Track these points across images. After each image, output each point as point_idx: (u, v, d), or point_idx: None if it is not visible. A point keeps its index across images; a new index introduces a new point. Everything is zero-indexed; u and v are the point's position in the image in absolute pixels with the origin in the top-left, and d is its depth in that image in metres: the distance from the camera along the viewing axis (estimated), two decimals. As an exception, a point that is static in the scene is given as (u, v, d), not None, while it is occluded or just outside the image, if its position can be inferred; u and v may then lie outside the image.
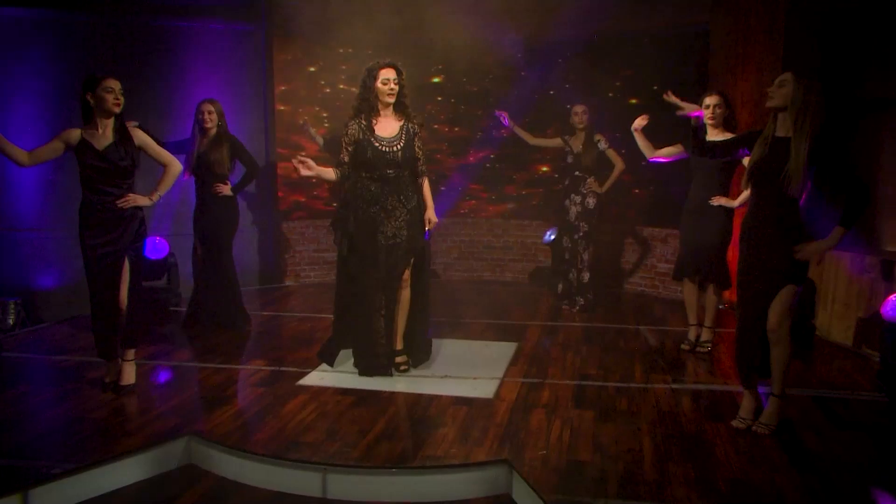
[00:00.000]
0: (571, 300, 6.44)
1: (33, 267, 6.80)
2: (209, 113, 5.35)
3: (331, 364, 4.68)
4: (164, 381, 4.57)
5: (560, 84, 7.65)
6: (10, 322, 6.25)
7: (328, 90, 7.86)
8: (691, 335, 5.17)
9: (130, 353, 4.33)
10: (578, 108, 6.22)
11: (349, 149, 4.39)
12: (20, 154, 4.03)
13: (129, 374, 4.32)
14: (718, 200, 4.80)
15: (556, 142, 6.43)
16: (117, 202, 4.11)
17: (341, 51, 7.83)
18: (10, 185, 6.63)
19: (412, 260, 4.55)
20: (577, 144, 6.23)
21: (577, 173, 6.22)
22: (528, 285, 7.62)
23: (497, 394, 4.23)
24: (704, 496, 3.00)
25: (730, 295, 5.72)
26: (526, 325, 5.86)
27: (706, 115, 4.82)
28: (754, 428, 3.65)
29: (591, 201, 6.25)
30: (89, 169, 4.08)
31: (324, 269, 7.98)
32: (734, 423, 3.72)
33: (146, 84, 6.74)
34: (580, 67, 7.41)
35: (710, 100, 4.87)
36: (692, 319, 5.17)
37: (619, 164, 6.22)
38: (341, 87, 7.88)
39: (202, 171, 5.41)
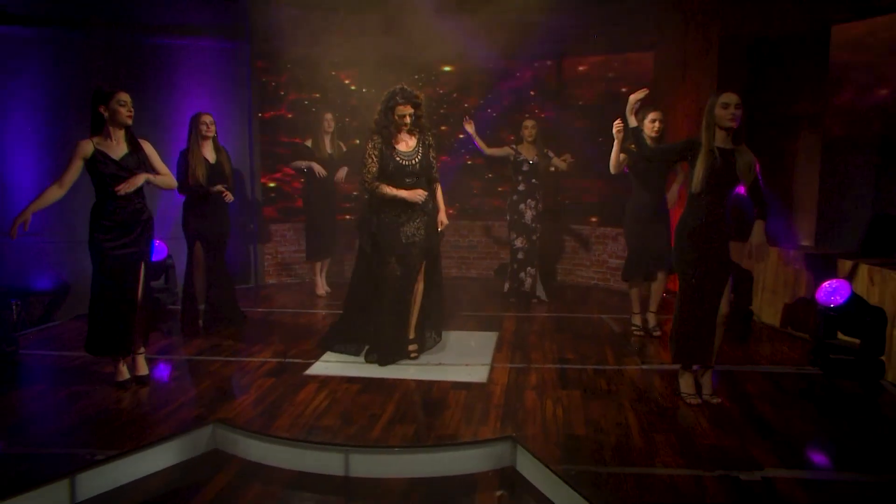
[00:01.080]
0: (520, 294, 6.49)
1: (30, 270, 6.65)
2: (212, 124, 5.28)
3: (341, 352, 4.78)
4: (178, 374, 4.52)
5: (527, 100, 7.83)
6: (14, 320, 6.11)
7: (306, 102, 7.83)
8: (636, 321, 5.43)
9: (142, 347, 4.32)
10: (529, 123, 6.38)
11: (376, 160, 4.48)
12: (53, 193, 4.00)
13: (143, 366, 4.32)
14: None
15: (505, 150, 6.44)
16: (117, 187, 4.00)
17: (320, 65, 7.81)
18: (9, 193, 6.50)
19: (432, 256, 4.71)
20: (530, 155, 6.32)
21: (533, 181, 6.32)
22: (495, 280, 7.76)
23: (490, 378, 4.36)
24: (688, 460, 3.19)
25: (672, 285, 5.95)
26: (502, 316, 5.99)
27: (650, 128, 5.05)
28: (711, 400, 3.88)
29: (541, 205, 6.43)
30: (108, 177, 4.02)
31: (304, 268, 7.96)
32: (689, 400, 3.91)
33: (138, 97, 6.51)
34: (544, 85, 7.63)
35: (654, 115, 5.09)
36: (636, 308, 5.44)
37: (564, 165, 6.38)
38: (317, 95, 7.88)
39: (215, 181, 5.29)
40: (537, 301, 6.54)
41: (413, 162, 4.52)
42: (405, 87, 4.49)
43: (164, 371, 4.59)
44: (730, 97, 3.69)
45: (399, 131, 4.52)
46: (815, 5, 5.77)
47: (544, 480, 3.15)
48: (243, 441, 3.60)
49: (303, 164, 6.55)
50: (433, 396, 4.04)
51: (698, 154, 3.72)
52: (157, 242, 6.04)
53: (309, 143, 6.58)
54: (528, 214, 6.36)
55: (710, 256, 3.77)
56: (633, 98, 4.11)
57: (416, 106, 4.46)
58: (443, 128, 7.98)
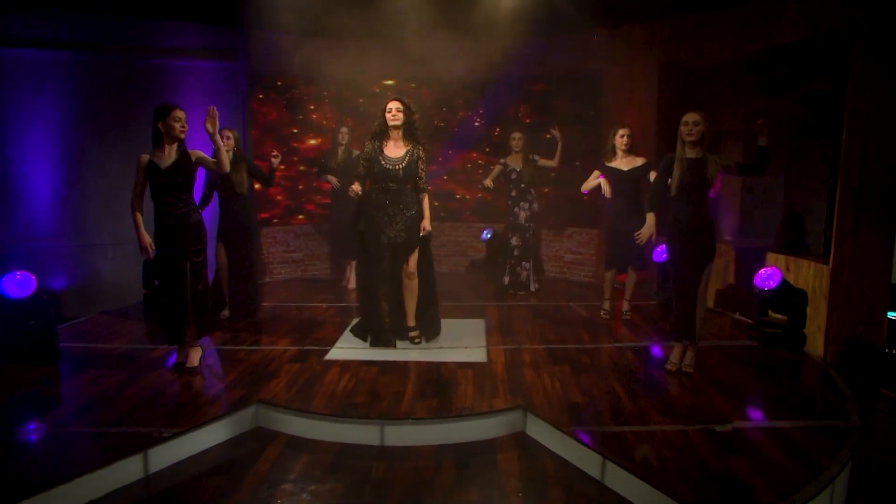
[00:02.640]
0: (519, 286, 6.65)
1: (48, 271, 6.47)
2: (227, 139, 5.27)
3: (363, 339, 4.87)
4: (210, 363, 4.51)
5: (504, 116, 8.05)
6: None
7: (300, 117, 7.82)
8: (606, 306, 5.73)
9: (196, 340, 4.31)
10: (516, 135, 6.56)
11: (364, 163, 4.58)
12: (140, 213, 4.06)
13: (195, 357, 4.31)
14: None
15: (498, 169, 6.59)
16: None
17: (310, 84, 7.83)
18: (27, 200, 6.38)
19: (417, 255, 4.71)
20: (517, 163, 6.50)
21: (522, 186, 6.51)
22: (467, 275, 7.93)
23: (489, 358, 4.53)
24: (672, 418, 3.48)
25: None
26: (483, 306, 6.16)
27: (620, 143, 5.35)
28: (683, 369, 4.19)
29: (535, 206, 6.62)
30: (155, 185, 4.04)
31: (291, 266, 7.98)
32: (667, 366, 4.23)
33: (144, 114, 6.52)
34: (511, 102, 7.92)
35: (623, 131, 5.40)
36: (607, 295, 5.73)
37: (554, 162, 6.54)
38: (312, 113, 7.88)
39: (225, 189, 5.31)
40: (531, 292, 6.69)
41: (397, 167, 4.54)
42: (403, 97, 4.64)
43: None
44: (689, 116, 4.01)
45: (390, 136, 4.57)
46: (735, 40, 6.19)
47: (557, 441, 3.38)
48: (286, 418, 3.69)
49: (331, 179, 6.67)
50: (444, 375, 4.19)
51: (671, 165, 4.01)
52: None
53: (323, 159, 6.58)
54: (522, 216, 6.55)
55: (689, 246, 4.05)
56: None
57: (403, 104, 4.53)
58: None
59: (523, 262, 6.69)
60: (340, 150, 6.67)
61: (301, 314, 5.87)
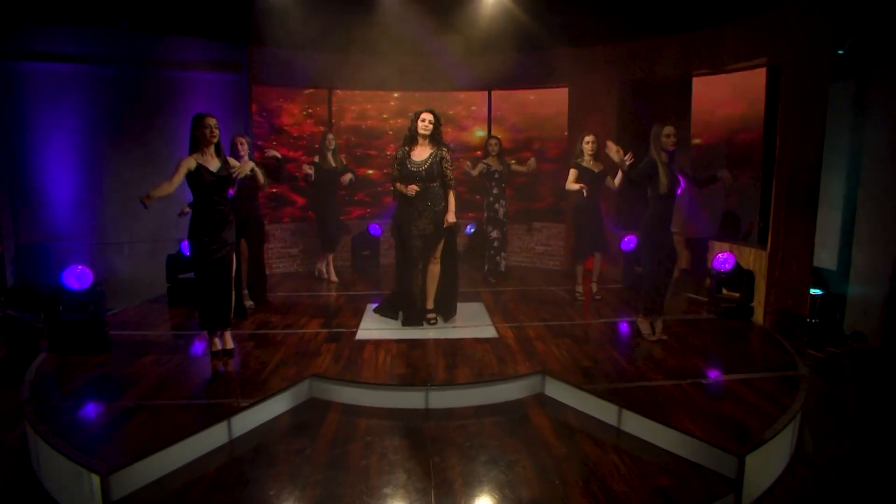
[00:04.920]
0: (495, 273, 7.02)
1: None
2: (241, 144, 5.42)
3: (394, 318, 5.17)
4: (255, 345, 4.68)
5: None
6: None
7: (294, 124, 7.96)
8: (579, 289, 6.19)
9: (232, 325, 4.49)
10: (493, 140, 6.91)
11: (397, 166, 4.89)
12: (164, 187, 4.04)
13: (230, 340, 4.48)
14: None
15: (481, 167, 6.90)
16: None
17: (306, 92, 7.99)
18: (49, 203, 6.33)
19: (442, 245, 5.01)
20: (496, 164, 6.85)
21: (502, 185, 6.87)
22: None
23: (499, 334, 4.90)
24: (664, 374, 3.98)
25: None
26: (477, 291, 6.49)
27: (587, 148, 5.84)
28: (661, 337, 4.69)
29: (507, 205, 6.98)
30: (208, 185, 4.18)
31: (287, 261, 8.10)
32: (649, 338, 4.72)
33: (158, 120, 6.72)
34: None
35: (589, 137, 5.89)
36: (579, 280, 6.20)
37: (529, 167, 6.85)
38: (307, 118, 8.03)
39: (242, 188, 5.41)
40: (501, 275, 7.05)
41: (421, 169, 4.84)
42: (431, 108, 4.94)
43: (246, 343, 4.73)
44: (669, 129, 4.49)
45: (418, 142, 4.85)
46: (682, 62, 6.81)
47: (575, 398, 3.80)
48: (339, 389, 3.96)
49: (305, 168, 6.71)
50: (466, 349, 4.53)
51: (657, 169, 4.47)
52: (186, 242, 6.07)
53: (316, 159, 6.73)
54: (501, 211, 6.90)
55: (665, 236, 4.55)
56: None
57: (435, 116, 4.84)
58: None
59: (502, 252, 7.05)
60: (329, 155, 6.74)
61: (316, 302, 6.08)
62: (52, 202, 6.37)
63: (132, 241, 6.78)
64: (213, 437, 3.35)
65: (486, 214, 6.98)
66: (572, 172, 5.99)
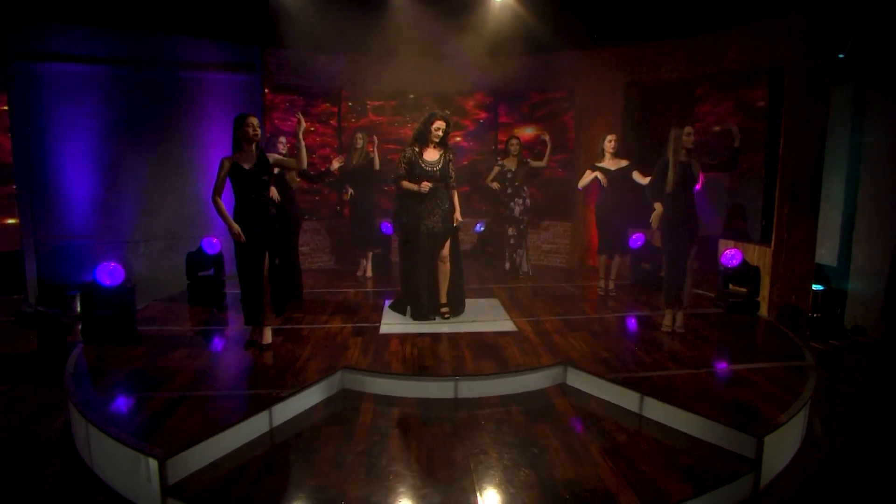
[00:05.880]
0: (516, 271, 7.22)
1: (86, 267, 6.55)
2: (282, 143, 5.60)
3: (403, 314, 5.33)
4: (283, 339, 4.82)
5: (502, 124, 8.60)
6: (78, 311, 6.07)
7: (306, 124, 8.10)
8: (602, 284, 6.41)
9: (271, 320, 4.61)
10: (514, 140, 7.11)
11: (405, 165, 5.03)
12: (221, 203, 4.27)
13: (268, 335, 4.63)
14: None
15: (496, 170, 7.14)
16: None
17: (315, 92, 8.15)
18: (69, 202, 6.47)
19: (449, 242, 5.22)
20: (512, 165, 7.05)
21: (517, 184, 7.07)
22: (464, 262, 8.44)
23: (518, 328, 5.09)
24: (681, 365, 4.20)
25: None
26: (490, 287, 6.69)
27: (608, 147, 6.07)
28: (676, 329, 4.92)
29: (528, 202, 7.16)
30: (243, 183, 4.33)
31: (300, 258, 8.24)
32: (663, 328, 4.95)
33: (173, 120, 6.92)
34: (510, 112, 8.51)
35: (611, 136, 6.12)
36: (602, 274, 6.42)
37: (543, 162, 7.08)
38: (317, 117, 8.20)
39: (278, 186, 5.60)
40: (524, 275, 7.24)
41: (435, 169, 5.06)
42: (439, 110, 5.12)
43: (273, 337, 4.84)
44: (687, 129, 4.73)
45: (429, 143, 5.06)
46: (688, 64, 7.04)
47: (597, 387, 4.01)
48: (370, 380, 4.14)
49: (348, 189, 7.02)
50: (488, 342, 4.72)
51: (667, 167, 4.70)
52: (213, 240, 6.24)
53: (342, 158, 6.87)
54: (517, 210, 7.08)
55: (681, 231, 4.76)
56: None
57: (447, 123, 5.05)
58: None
59: (518, 250, 7.27)
60: (355, 154, 6.97)
61: (336, 299, 6.24)
62: (70, 201, 6.50)
63: (148, 239, 6.91)
64: (255, 426, 3.52)
65: (504, 212, 7.17)
66: (587, 173, 6.22)
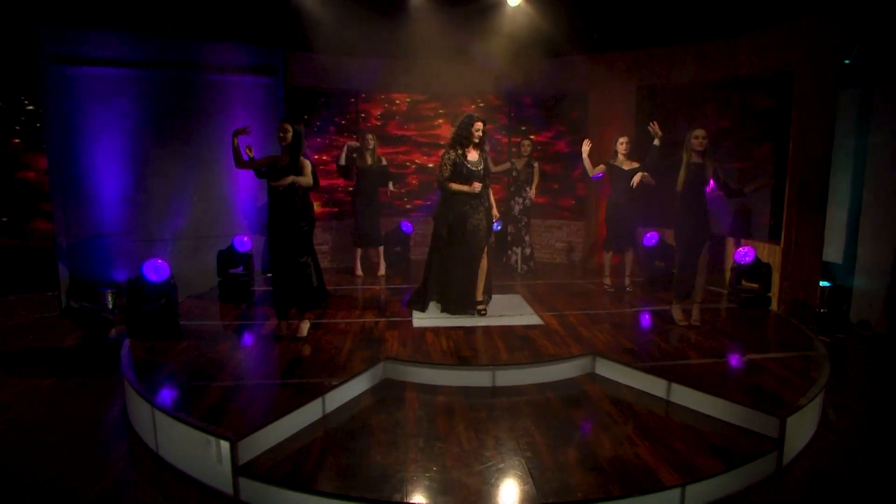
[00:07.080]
0: (509, 267, 7.45)
1: (115, 265, 6.82)
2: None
3: (423, 310, 5.56)
4: (321, 333, 5.03)
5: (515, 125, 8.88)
6: (110, 306, 6.33)
7: (323, 124, 8.38)
8: (607, 281, 6.70)
9: (307, 314, 4.89)
10: (525, 142, 7.39)
11: (450, 167, 5.28)
12: (240, 161, 4.71)
13: (304, 328, 4.89)
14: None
15: (506, 165, 7.44)
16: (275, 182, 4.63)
17: (335, 96, 8.40)
18: (99, 200, 6.73)
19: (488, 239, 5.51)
20: (519, 164, 7.33)
21: (519, 183, 7.33)
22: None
23: (544, 321, 5.37)
24: (703, 354, 4.50)
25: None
26: (508, 284, 6.93)
27: (621, 148, 6.37)
28: (692, 323, 5.22)
29: (528, 201, 7.48)
30: (272, 182, 4.62)
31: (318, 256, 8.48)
32: (681, 323, 5.25)
33: (199, 121, 7.17)
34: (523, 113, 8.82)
35: (623, 139, 6.41)
36: (607, 272, 6.71)
37: (531, 192, 7.33)
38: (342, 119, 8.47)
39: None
40: (525, 271, 7.47)
41: (479, 169, 5.34)
42: (474, 113, 5.40)
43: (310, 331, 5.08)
44: (699, 132, 5.00)
45: (469, 145, 5.31)
46: (698, 68, 7.35)
47: (625, 375, 4.31)
48: (412, 370, 4.40)
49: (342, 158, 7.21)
50: (519, 335, 4.99)
51: (680, 166, 5.00)
52: (244, 238, 6.50)
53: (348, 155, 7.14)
54: (517, 208, 7.36)
55: (692, 228, 5.05)
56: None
57: (484, 124, 5.32)
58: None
59: (513, 248, 7.48)
60: (367, 154, 7.19)
61: (363, 294, 6.51)
62: (101, 200, 6.72)
63: (176, 237, 7.15)
64: (310, 413, 3.78)
65: (503, 209, 7.42)
66: (600, 167, 6.52)
